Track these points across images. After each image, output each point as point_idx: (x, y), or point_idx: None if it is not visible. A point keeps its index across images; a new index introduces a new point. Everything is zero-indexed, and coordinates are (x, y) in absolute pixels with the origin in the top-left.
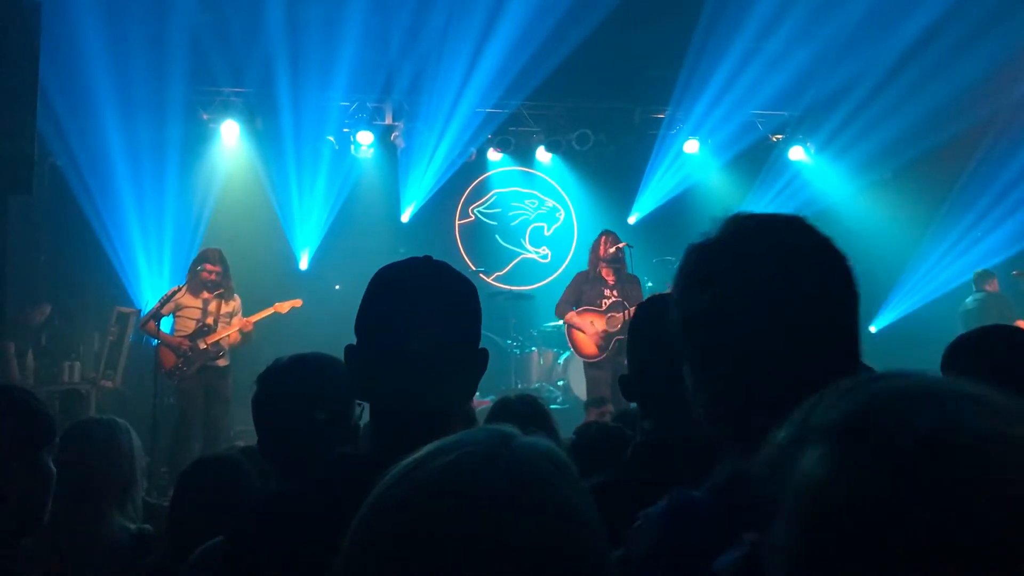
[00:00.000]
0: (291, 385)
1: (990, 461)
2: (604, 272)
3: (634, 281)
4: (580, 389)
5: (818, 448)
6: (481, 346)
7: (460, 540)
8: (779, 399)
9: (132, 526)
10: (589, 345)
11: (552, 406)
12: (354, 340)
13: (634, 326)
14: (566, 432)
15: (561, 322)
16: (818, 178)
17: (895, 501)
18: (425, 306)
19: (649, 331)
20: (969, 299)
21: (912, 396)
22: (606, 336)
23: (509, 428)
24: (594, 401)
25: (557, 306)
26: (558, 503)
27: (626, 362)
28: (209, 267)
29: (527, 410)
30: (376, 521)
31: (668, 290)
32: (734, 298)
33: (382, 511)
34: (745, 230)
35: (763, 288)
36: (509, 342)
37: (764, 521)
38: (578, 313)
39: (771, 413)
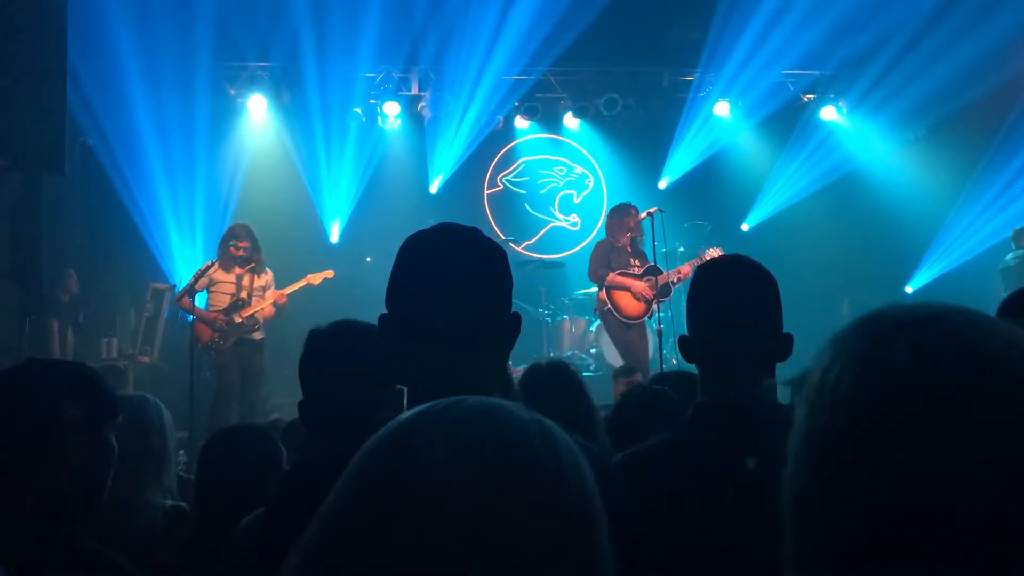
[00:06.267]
0: (339, 350)
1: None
2: (626, 243)
3: (644, 255)
4: (612, 356)
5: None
6: (512, 311)
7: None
8: None
9: (167, 503)
10: (635, 305)
11: (585, 373)
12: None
13: (694, 288)
14: (600, 399)
15: (594, 289)
16: (851, 137)
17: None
18: (453, 281)
19: (709, 293)
20: (1009, 256)
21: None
22: (648, 297)
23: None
24: (623, 371)
25: (592, 271)
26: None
27: (660, 327)
28: (237, 243)
29: (558, 376)
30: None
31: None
32: None
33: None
34: None
35: None
36: (540, 311)
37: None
38: (618, 274)
39: None
